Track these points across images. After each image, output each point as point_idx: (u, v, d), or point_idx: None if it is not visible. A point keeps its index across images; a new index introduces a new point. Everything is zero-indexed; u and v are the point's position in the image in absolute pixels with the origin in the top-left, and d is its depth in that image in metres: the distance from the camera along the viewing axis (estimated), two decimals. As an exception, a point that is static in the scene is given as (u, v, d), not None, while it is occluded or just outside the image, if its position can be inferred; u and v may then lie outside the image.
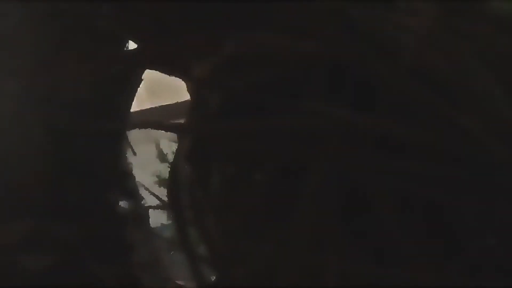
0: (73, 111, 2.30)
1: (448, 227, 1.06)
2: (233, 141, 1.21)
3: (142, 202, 2.39)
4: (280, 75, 1.23)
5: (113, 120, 2.38)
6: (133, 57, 1.63)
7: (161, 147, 5.35)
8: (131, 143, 2.44)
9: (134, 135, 2.46)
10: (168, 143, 4.91)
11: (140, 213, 2.40)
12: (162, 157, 5.34)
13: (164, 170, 4.85)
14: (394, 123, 1.08)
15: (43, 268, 2.26)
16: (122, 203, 2.38)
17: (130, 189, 2.39)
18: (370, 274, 1.09)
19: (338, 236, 1.12)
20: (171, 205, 1.32)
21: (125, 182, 2.38)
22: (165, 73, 1.48)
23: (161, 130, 1.40)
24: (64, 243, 2.27)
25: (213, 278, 1.31)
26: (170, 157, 4.87)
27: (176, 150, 1.35)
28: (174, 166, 1.34)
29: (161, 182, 4.88)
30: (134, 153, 2.46)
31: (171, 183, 1.32)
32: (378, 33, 1.15)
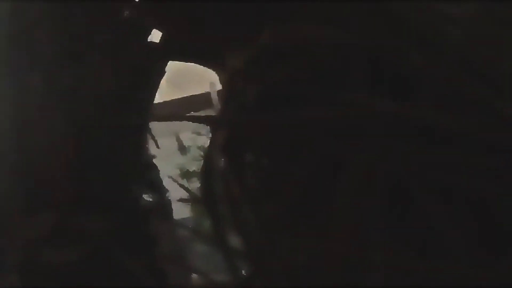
0: (96, 104, 2.29)
1: (495, 222, 1.04)
2: (271, 133, 1.20)
3: (166, 195, 2.39)
4: (319, 66, 1.21)
5: (136, 112, 2.37)
6: (164, 49, 1.62)
7: (181, 139, 5.35)
8: (154, 136, 2.43)
9: (156, 128, 2.45)
10: (191, 135, 4.90)
11: (164, 206, 2.39)
12: (183, 149, 5.33)
13: (187, 162, 4.84)
14: (439, 113, 1.06)
15: (69, 262, 2.25)
16: (146, 196, 2.38)
17: (153, 182, 2.38)
18: (414, 267, 1.07)
19: (381, 229, 1.10)
20: (205, 198, 1.30)
21: (148, 175, 2.37)
22: (198, 64, 1.47)
23: (193, 122, 1.39)
24: (90, 236, 2.27)
25: (247, 272, 1.29)
26: (193, 150, 4.88)
27: (210, 141, 1.33)
28: (207, 158, 1.32)
29: (184, 175, 4.87)
30: (158, 146, 2.45)
31: (205, 175, 1.30)
32: (419, 23, 1.13)
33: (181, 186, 1.77)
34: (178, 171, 4.80)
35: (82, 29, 2.31)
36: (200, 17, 1.32)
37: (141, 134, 2.46)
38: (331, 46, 1.18)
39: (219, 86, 3.07)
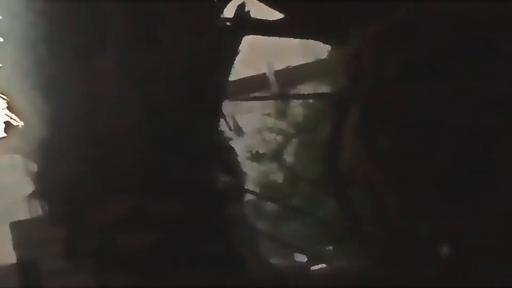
0: (170, 85, 2.24)
1: None
2: (410, 109, 1.14)
3: (244, 177, 2.34)
4: (457, 40, 1.16)
5: (211, 93, 2.32)
6: (281, 27, 1.56)
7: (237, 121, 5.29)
8: (226, 117, 2.38)
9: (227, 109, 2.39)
10: (259, 117, 4.83)
11: (241, 188, 2.34)
12: (239, 131, 5.24)
13: (256, 144, 4.78)
14: None
15: (144, 247, 2.21)
16: (223, 178, 2.33)
17: (231, 164, 2.33)
18: None
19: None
20: (332, 182, 1.25)
21: (226, 157, 2.32)
22: (316, 40, 1.41)
23: (305, 99, 1.33)
24: (165, 221, 2.22)
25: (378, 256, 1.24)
26: (265, 132, 4.82)
27: (333, 121, 1.28)
28: (331, 139, 1.27)
29: (253, 157, 4.79)
30: (230, 128, 2.41)
31: (331, 156, 1.25)
32: None
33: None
34: (247, 154, 4.72)
35: (155, 11, 2.26)
36: None
37: (216, 115, 2.41)
38: (472, 19, 1.12)
39: (276, 67, 3.00)
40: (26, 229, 3.99)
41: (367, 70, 1.22)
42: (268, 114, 4.78)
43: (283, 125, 4.54)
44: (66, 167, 2.28)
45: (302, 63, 6.10)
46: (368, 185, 1.19)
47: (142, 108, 2.22)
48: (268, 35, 1.85)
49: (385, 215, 1.16)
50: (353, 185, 1.26)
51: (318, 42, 2.08)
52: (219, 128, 2.36)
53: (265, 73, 6.33)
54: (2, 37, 2.43)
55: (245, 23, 2.40)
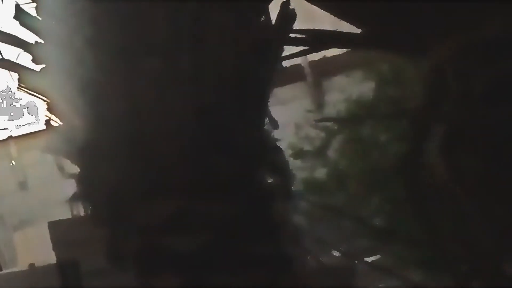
0: (216, 85, 2.21)
1: None
2: (497, 129, 1.12)
3: (292, 178, 2.32)
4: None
5: (257, 92, 2.29)
6: (360, 41, 1.53)
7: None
8: (273, 117, 2.36)
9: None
10: (303, 114, 4.80)
11: (289, 188, 2.32)
12: (275, 125, 5.22)
13: (299, 141, 4.74)
14: None
15: (192, 248, 2.20)
16: (271, 179, 2.31)
17: (279, 165, 2.31)
18: None
19: None
20: (411, 196, 1.23)
21: (274, 158, 2.30)
22: (397, 56, 1.38)
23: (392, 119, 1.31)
24: (213, 222, 2.20)
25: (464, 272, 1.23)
26: (306, 128, 4.78)
27: (412, 140, 1.25)
28: (410, 159, 1.25)
29: (296, 154, 4.76)
30: (275, 125, 2.38)
31: (410, 177, 1.23)
32: None
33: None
34: (289, 151, 4.66)
35: (201, 10, 2.23)
36: (407, 11, 1.24)
37: (262, 115, 2.38)
38: None
39: (311, 57, 2.95)
40: (66, 228, 3.99)
41: (451, 87, 1.19)
42: (311, 111, 4.75)
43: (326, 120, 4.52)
44: (110, 168, 2.26)
45: (338, 53, 6.01)
46: (454, 206, 1.17)
47: (188, 109, 2.20)
48: (345, 48, 1.82)
49: (472, 237, 1.15)
50: (437, 206, 1.24)
51: (354, 30, 2.06)
52: (265, 128, 2.34)
53: (300, 64, 6.25)
54: (43, 39, 2.41)
55: (291, 20, 2.37)
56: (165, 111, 2.20)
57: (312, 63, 6.21)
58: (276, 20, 2.29)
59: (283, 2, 2.31)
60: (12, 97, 11.37)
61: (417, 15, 1.23)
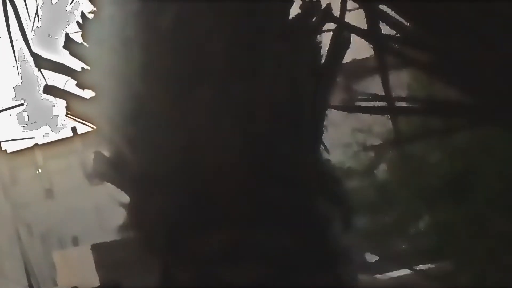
0: (271, 115, 2.16)
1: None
2: None
3: (351, 208, 2.25)
4: None
5: (312, 120, 2.23)
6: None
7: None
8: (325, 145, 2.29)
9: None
10: (350, 131, 4.71)
11: (348, 219, 2.25)
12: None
13: (346, 159, 4.66)
14: None
15: (249, 280, 2.14)
16: (329, 208, 2.24)
17: (338, 194, 2.24)
18: None
19: None
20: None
21: (333, 188, 2.24)
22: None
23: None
24: (270, 253, 2.15)
25: None
26: (355, 147, 4.68)
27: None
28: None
29: (342, 172, 4.65)
30: (328, 152, 2.32)
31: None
32: None
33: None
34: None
35: (255, 39, 2.18)
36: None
37: (318, 143, 2.33)
38: None
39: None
40: (109, 251, 3.95)
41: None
42: (359, 130, 4.66)
43: (375, 140, 4.43)
44: (164, 199, 2.22)
45: (367, 56, 5.89)
46: None
47: (243, 139, 2.15)
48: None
49: None
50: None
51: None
52: (322, 156, 2.28)
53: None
54: (90, 66, 2.36)
55: (345, 47, 2.32)
56: (219, 142, 2.15)
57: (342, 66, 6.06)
58: (330, 46, 2.24)
59: (336, 28, 2.25)
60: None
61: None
